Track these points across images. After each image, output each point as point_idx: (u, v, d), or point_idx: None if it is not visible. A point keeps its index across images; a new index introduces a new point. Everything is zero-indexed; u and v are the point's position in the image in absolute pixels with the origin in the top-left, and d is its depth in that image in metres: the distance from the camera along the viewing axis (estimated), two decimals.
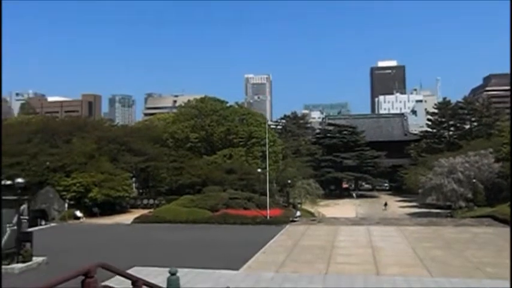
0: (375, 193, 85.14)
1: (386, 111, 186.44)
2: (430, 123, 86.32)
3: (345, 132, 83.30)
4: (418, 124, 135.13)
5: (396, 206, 61.82)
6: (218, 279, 17.51)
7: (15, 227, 21.97)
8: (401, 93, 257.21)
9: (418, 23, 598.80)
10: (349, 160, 79.04)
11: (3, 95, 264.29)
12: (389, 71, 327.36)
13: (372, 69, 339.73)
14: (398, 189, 79.48)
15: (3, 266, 20.74)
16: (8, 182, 23.88)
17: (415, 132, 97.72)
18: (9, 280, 19.12)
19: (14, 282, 18.26)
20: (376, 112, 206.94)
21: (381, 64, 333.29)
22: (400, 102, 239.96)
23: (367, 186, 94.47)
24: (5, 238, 21.84)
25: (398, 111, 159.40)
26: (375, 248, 25.56)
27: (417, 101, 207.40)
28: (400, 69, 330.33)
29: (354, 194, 75.63)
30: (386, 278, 17.83)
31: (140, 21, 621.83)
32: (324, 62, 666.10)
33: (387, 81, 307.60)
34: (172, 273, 12.35)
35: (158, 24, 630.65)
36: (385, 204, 60.19)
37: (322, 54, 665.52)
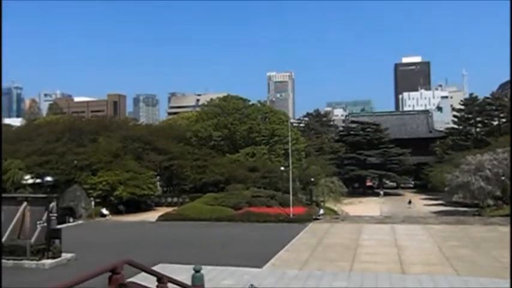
0: (400, 191, 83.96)
1: (410, 108, 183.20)
2: (456, 119, 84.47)
3: (368, 129, 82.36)
4: (443, 121, 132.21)
5: (421, 204, 60.85)
6: (242, 276, 17.61)
7: (45, 224, 22.58)
8: (426, 89, 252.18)
9: (443, 17, 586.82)
10: (373, 158, 78.17)
11: (33, 95, 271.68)
12: (414, 67, 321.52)
13: (396, 66, 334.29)
14: (423, 187, 78.19)
15: (34, 262, 21.40)
16: (38, 181, 24.64)
17: (441, 129, 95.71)
18: (40, 275, 19.70)
19: (45, 277, 18.81)
20: (400, 109, 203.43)
21: (405, 60, 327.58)
22: (425, 98, 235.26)
23: (391, 184, 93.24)
24: (35, 234, 22.51)
25: (423, 108, 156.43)
26: (400, 246, 25.26)
27: (442, 97, 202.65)
28: (424, 65, 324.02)
29: (382, 192, 74.88)
30: (411, 277, 17.62)
31: (163, 21, 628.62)
32: (347, 58, 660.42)
33: (411, 78, 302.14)
34: (197, 271, 12.49)
35: (181, 23, 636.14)
36: (409, 202, 59.32)
37: (345, 51, 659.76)
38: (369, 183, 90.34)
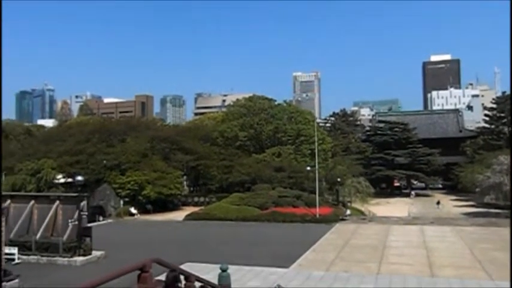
0: (428, 192, 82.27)
1: (439, 107, 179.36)
2: (487, 118, 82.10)
3: (396, 129, 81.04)
4: (474, 120, 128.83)
5: (451, 205, 59.46)
6: (268, 276, 17.64)
7: (76, 222, 23.18)
8: (456, 88, 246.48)
9: (474, 13, 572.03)
10: (401, 158, 76.88)
11: (64, 97, 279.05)
12: (443, 65, 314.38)
13: (425, 64, 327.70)
14: (453, 188, 76.35)
15: (66, 259, 22.01)
16: (70, 180, 25.37)
17: (471, 128, 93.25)
18: (72, 272, 20.25)
19: (77, 274, 19.32)
20: (429, 108, 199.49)
21: (433, 58, 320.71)
22: (455, 97, 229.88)
23: (419, 184, 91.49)
24: (67, 232, 23.15)
25: (452, 107, 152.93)
26: (429, 248, 24.78)
27: (473, 96, 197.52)
28: (454, 63, 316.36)
29: (413, 193, 73.50)
30: (441, 280, 17.26)
31: (189, 22, 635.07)
32: (374, 57, 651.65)
33: (441, 76, 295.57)
34: (224, 270, 12.59)
35: (207, 24, 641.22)
36: (438, 203, 58.03)
37: (371, 50, 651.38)
38: (396, 184, 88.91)
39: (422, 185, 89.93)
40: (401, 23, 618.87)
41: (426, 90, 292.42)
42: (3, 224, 17.11)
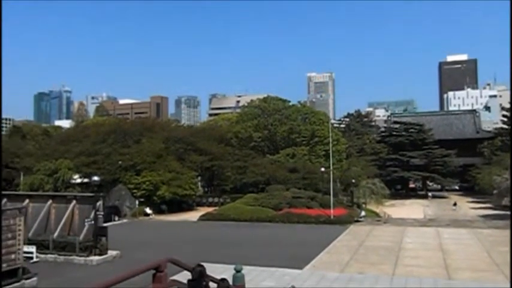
0: (445, 193, 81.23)
1: (456, 108, 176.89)
2: (505, 119, 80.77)
3: (411, 130, 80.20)
4: (492, 121, 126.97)
5: (467, 207, 58.61)
6: (282, 277, 17.62)
7: (93, 222, 23.46)
8: (473, 88, 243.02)
9: (491, 13, 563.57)
10: (416, 159, 76.04)
11: (81, 98, 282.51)
12: (460, 65, 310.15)
13: (441, 64, 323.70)
14: (470, 190, 75.26)
15: (83, 258, 22.29)
16: (86, 180, 25.71)
17: (489, 129, 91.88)
18: (89, 271, 20.51)
19: (93, 273, 19.55)
20: (445, 109, 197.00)
21: (450, 58, 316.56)
22: (472, 97, 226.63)
23: (435, 186, 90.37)
24: (83, 232, 23.45)
25: (469, 108, 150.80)
26: (446, 250, 24.48)
27: (491, 96, 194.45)
28: (471, 63, 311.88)
29: (430, 194, 72.63)
30: (458, 283, 17.04)
31: (204, 24, 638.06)
32: (389, 58, 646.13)
33: (457, 76, 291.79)
34: (238, 270, 12.62)
35: (221, 25, 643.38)
36: (455, 204, 57.23)
37: (386, 50, 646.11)
38: (412, 185, 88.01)
39: (438, 186, 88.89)
40: (417, 22, 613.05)
41: (442, 90, 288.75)
42: (21, 222, 17.39)
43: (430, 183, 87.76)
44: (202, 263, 9.39)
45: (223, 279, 9.62)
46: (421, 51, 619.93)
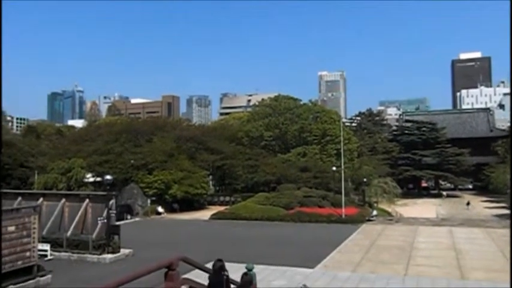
0: (457, 193, 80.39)
1: (469, 106, 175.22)
2: None
3: (424, 128, 79.49)
4: (506, 119, 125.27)
5: (481, 206, 57.93)
6: (293, 276, 17.62)
7: (105, 220, 23.69)
8: (487, 86, 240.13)
9: (504, 10, 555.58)
10: (429, 158, 75.34)
11: (93, 98, 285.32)
12: (473, 63, 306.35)
13: (453, 62, 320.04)
14: (484, 189, 74.27)
15: (96, 256, 22.53)
16: (98, 179, 25.99)
17: (503, 127, 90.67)
18: (102, 269, 20.71)
19: (107, 271, 19.75)
20: (458, 107, 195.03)
21: (463, 56, 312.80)
22: (486, 96, 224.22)
23: (448, 185, 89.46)
24: (96, 230, 23.69)
25: (483, 106, 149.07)
26: (459, 250, 24.24)
27: (505, 94, 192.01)
28: (485, 61, 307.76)
29: (444, 193, 71.97)
30: (471, 283, 16.88)
31: (213, 23, 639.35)
32: (401, 56, 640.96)
33: (470, 74, 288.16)
34: (249, 269, 12.64)
35: (231, 24, 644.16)
36: (468, 204, 56.62)
37: (398, 48, 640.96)
38: (424, 184, 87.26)
39: (451, 185, 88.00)
40: (429, 20, 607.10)
41: (455, 89, 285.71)
42: (36, 221, 17.64)
43: (443, 182, 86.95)
44: (221, 258, 9.66)
45: (246, 273, 9.96)
46: (433, 48, 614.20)
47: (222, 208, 46.50)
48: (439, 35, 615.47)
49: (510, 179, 42.12)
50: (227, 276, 9.60)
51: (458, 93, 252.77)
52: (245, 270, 12.83)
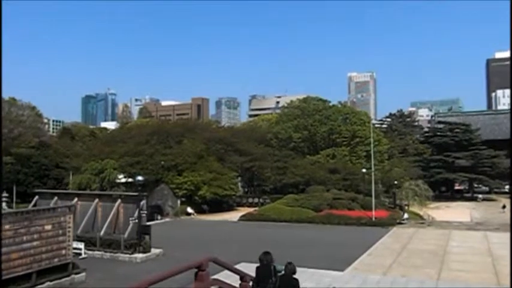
0: (493, 196, 77.93)
1: (505, 107, 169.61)
2: None
3: (457, 130, 77.47)
4: None
5: None
6: (323, 279, 17.51)
7: (137, 220, 24.15)
8: None
9: None
10: (462, 160, 73.31)
11: (125, 101, 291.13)
12: (509, 62, 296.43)
13: (488, 61, 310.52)
14: None
15: (127, 255, 23.00)
16: (130, 180, 26.56)
17: None
18: (134, 268, 21.13)
19: (138, 270, 20.13)
20: (494, 108, 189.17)
21: (498, 55, 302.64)
22: None
23: (483, 188, 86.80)
24: (128, 230, 24.18)
25: None
26: (495, 256, 23.49)
27: None
28: None
29: (480, 196, 70.08)
30: None
31: (243, 25, 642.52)
32: (433, 56, 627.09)
33: (506, 74, 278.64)
34: (278, 271, 12.63)
35: (261, 27, 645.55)
36: (503, 207, 54.79)
37: (430, 48, 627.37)
38: (458, 187, 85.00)
39: (486, 188, 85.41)
40: (463, 19, 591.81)
41: (490, 89, 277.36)
42: (71, 220, 18.15)
43: (478, 185, 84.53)
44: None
45: (290, 262, 10.38)
46: (467, 47, 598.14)
47: (250, 209, 46.63)
48: (474, 33, 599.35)
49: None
50: (274, 267, 10.43)
51: (493, 94, 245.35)
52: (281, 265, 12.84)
